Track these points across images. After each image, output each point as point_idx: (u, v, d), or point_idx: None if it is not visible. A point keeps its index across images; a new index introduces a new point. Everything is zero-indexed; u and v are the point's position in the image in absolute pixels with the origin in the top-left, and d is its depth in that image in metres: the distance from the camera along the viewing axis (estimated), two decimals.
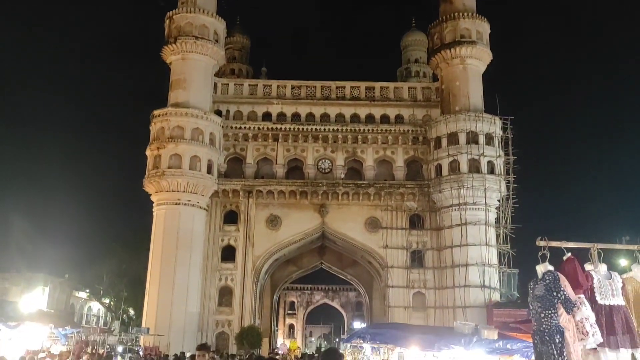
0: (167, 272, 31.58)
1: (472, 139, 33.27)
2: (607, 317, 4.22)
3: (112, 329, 35.33)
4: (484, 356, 10.49)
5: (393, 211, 34.91)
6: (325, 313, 71.05)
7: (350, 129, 35.68)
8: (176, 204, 32.72)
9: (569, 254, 4.48)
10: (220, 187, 34.36)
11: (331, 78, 37.74)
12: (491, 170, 33.22)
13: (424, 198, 34.80)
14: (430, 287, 33.75)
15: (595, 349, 4.17)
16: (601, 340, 4.13)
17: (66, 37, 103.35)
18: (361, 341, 13.77)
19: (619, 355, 4.19)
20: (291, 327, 68.90)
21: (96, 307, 56.92)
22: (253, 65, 48.92)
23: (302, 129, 35.74)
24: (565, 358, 3.97)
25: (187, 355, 22.27)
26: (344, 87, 37.25)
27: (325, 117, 36.36)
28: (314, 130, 35.76)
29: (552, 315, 4.10)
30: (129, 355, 21.02)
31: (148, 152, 33.72)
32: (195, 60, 34.99)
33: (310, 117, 36.31)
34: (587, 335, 4.08)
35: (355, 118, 36.36)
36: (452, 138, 33.59)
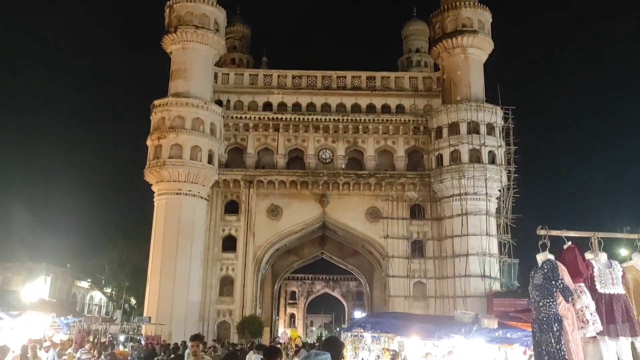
0: (168, 261, 31.68)
1: (473, 128, 33.21)
2: (607, 306, 4.22)
3: (114, 318, 35.51)
4: (484, 345, 10.53)
5: (394, 201, 34.92)
6: (326, 303, 71.36)
7: (351, 119, 35.61)
8: (177, 194, 32.75)
9: (569, 243, 4.48)
10: (221, 177, 34.37)
11: (332, 68, 37.63)
12: (492, 160, 33.18)
13: (425, 188, 34.81)
14: (431, 277, 33.86)
15: (595, 337, 4.17)
16: (601, 328, 4.13)
17: (66, 27, 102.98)
18: (362, 330, 13.82)
19: (619, 343, 4.20)
20: (292, 316, 69.22)
21: (98, 296, 57.20)
22: (253, 55, 48.75)
23: (303, 118, 35.68)
24: (563, 346, 3.98)
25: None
26: (345, 77, 37.13)
27: (326, 107, 36.28)
28: (314, 120, 35.69)
29: (551, 303, 4.11)
30: (131, 344, 21.14)
31: (149, 142, 33.70)
32: (196, 50, 34.87)
33: (311, 107, 36.23)
34: (587, 323, 4.08)
35: (356, 108, 36.28)
36: (453, 128, 33.52)
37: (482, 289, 31.28)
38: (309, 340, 46.37)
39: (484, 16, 35.93)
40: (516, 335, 10.26)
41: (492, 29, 36.39)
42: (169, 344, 24.23)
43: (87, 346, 16.67)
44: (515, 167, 33.69)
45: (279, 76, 37.17)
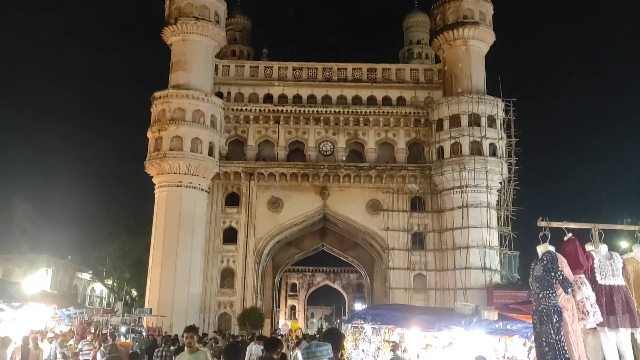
0: (169, 253, 31.75)
1: (474, 121, 33.15)
2: (607, 297, 4.23)
3: (115, 310, 35.65)
4: (483, 336, 10.57)
5: (394, 193, 34.93)
6: (326, 294, 71.58)
7: (352, 111, 35.54)
8: (177, 186, 32.76)
9: (570, 235, 4.48)
10: (221, 169, 34.37)
11: (333, 60, 37.53)
12: (493, 153, 33.15)
13: (426, 180, 34.80)
14: (431, 269, 33.92)
15: (595, 328, 4.18)
16: (601, 319, 4.14)
17: (66, 20, 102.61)
18: (362, 322, 13.85)
19: (619, 334, 4.21)
20: (293, 308, 69.45)
21: (99, 288, 57.42)
22: (254, 46, 48.55)
23: (304, 111, 35.61)
24: (563, 337, 3.99)
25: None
26: (346, 69, 37.04)
27: (326, 99, 36.20)
28: (315, 112, 35.63)
29: (550, 295, 4.12)
30: (132, 335, 21.22)
31: (149, 134, 33.67)
32: (196, 42, 34.75)
33: (311, 99, 36.16)
34: (588, 314, 4.09)
35: (357, 100, 36.20)
36: (454, 120, 33.46)
37: (482, 281, 31.35)
38: (310, 332, 46.54)
39: (486, 7, 35.76)
40: (516, 327, 10.29)
41: (493, 21, 36.25)
42: (170, 336, 24.31)
43: (88, 337, 16.75)
44: (516, 160, 33.68)
45: (279, 68, 37.07)
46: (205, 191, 33.99)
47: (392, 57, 50.37)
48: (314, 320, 75.19)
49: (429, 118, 35.13)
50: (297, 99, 36.17)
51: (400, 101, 36.20)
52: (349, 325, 14.83)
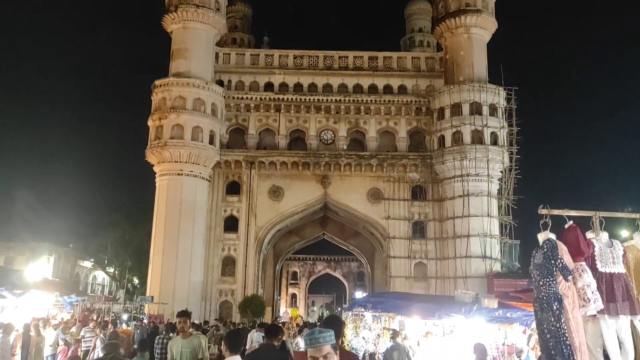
0: (171, 242, 31.83)
1: (476, 109, 33.05)
2: (607, 285, 4.24)
3: (117, 298, 35.86)
4: (484, 324, 10.60)
5: (395, 182, 34.92)
6: (327, 283, 71.85)
7: (353, 100, 35.43)
8: (178, 174, 32.76)
9: (571, 222, 4.47)
10: (222, 157, 34.34)
11: (334, 48, 37.37)
12: (494, 142, 33.08)
13: (427, 169, 34.77)
14: (432, 258, 34.00)
15: (595, 315, 4.20)
16: (602, 306, 4.15)
17: (66, 8, 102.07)
18: (363, 310, 13.91)
19: (619, 322, 4.22)
20: (294, 296, 69.75)
21: (101, 276, 57.66)
22: (255, 34, 48.34)
23: (305, 99, 35.51)
24: (564, 324, 4.00)
25: (196, 322, 22.68)
26: (347, 57, 36.87)
27: (327, 88, 36.08)
28: (316, 100, 35.52)
29: (551, 283, 4.13)
30: (134, 322, 21.34)
31: (150, 123, 33.61)
32: (197, 29, 34.58)
33: (312, 87, 36.05)
34: (589, 302, 4.10)
35: (358, 88, 36.08)
36: (456, 109, 33.36)
37: (482, 270, 31.42)
38: (311, 320, 46.76)
39: None
40: (516, 314, 10.32)
41: (495, 9, 36.02)
42: (172, 323, 24.44)
43: (91, 325, 16.85)
44: (517, 149, 33.63)
45: (280, 56, 36.92)
46: (206, 180, 34.00)
47: (393, 45, 50.23)
48: (315, 308, 75.52)
49: (430, 106, 35.03)
50: (298, 87, 36.05)
51: (402, 89, 36.08)
52: (350, 313, 14.90)
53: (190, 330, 8.33)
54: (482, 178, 32.40)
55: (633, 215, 4.92)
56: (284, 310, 53.39)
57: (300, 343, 16.31)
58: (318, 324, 27.05)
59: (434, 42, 44.98)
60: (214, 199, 34.55)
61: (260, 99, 35.55)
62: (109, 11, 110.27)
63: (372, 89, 36.05)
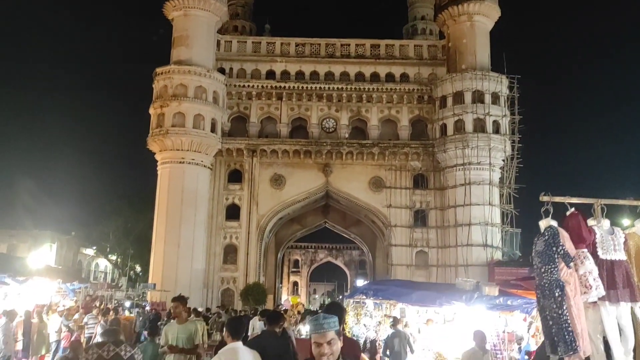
0: (173, 230, 31.91)
1: (478, 98, 32.93)
2: (608, 272, 4.25)
3: (119, 285, 36.04)
4: (484, 312, 10.62)
5: (397, 171, 34.91)
6: (328, 271, 72.07)
7: (355, 88, 35.31)
8: (180, 162, 32.77)
9: (573, 209, 4.47)
10: (224, 146, 34.31)
11: (336, 35, 37.15)
12: (496, 130, 33.01)
13: (428, 158, 34.73)
14: (433, 246, 34.07)
15: (595, 302, 4.21)
16: (604, 293, 4.17)
17: None
18: (364, 297, 13.94)
19: (619, 308, 4.23)
20: (295, 284, 70.03)
21: (103, 263, 57.90)
22: (256, 22, 48.07)
23: (306, 87, 35.40)
24: (566, 311, 4.02)
25: (199, 309, 22.81)
26: (349, 45, 36.69)
27: (329, 76, 35.95)
28: (318, 88, 35.41)
29: (552, 270, 4.14)
30: (137, 310, 21.48)
31: (151, 111, 33.55)
32: (198, 17, 34.40)
33: (314, 75, 35.91)
34: (590, 288, 4.12)
35: (360, 76, 35.94)
36: (458, 97, 33.25)
37: (483, 258, 31.50)
38: (312, 308, 46.98)
39: None
40: (517, 302, 10.31)
41: None
42: None
43: (94, 311, 16.95)
44: (519, 137, 33.54)
45: (282, 44, 36.75)
46: (208, 168, 34.01)
47: (396, 33, 49.96)
48: (316, 296, 75.85)
49: (432, 95, 34.90)
50: (299, 75, 35.92)
51: (404, 78, 35.93)
52: (351, 300, 14.94)
53: (186, 315, 8.18)
54: (483, 166, 32.37)
55: (635, 203, 4.92)
56: (286, 298, 53.63)
57: (302, 330, 16.40)
58: (319, 311, 27.20)
59: (436, 29, 44.72)
60: (216, 187, 34.58)
61: (262, 86, 35.44)
62: None
63: (374, 77, 35.90)
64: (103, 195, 47.56)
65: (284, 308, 34.29)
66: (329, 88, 35.35)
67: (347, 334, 12.11)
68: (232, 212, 34.69)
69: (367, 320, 14.63)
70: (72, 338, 14.26)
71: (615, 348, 4.14)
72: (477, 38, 34.77)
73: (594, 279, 4.14)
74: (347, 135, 35.26)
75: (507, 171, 33.38)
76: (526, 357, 10.20)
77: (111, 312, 17.04)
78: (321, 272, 72.69)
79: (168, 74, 33.12)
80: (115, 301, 24.95)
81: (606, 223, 4.49)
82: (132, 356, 2.03)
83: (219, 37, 36.47)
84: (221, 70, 35.24)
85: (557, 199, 4.52)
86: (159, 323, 10.40)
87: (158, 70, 33.51)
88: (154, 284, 28.80)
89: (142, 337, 14.89)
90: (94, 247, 53.28)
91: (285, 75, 35.91)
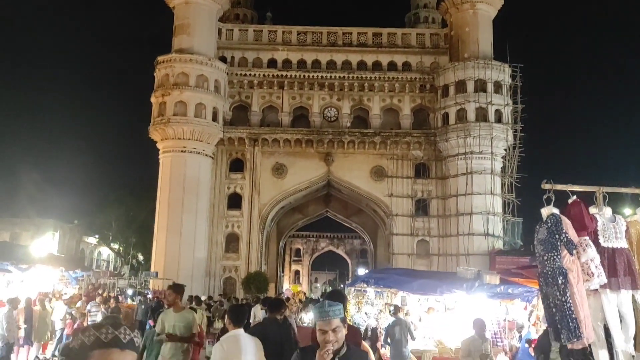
0: (174, 218, 31.97)
1: (481, 86, 32.81)
2: (609, 260, 4.24)
3: (122, 273, 36.19)
4: (485, 300, 10.67)
5: (399, 160, 34.87)
6: (330, 260, 72.26)
7: (357, 77, 35.18)
8: (182, 151, 32.77)
9: (574, 197, 4.46)
10: (225, 135, 34.28)
11: (338, 24, 37.02)
12: (498, 119, 32.91)
13: (430, 147, 34.69)
14: (434, 235, 34.12)
15: (596, 290, 4.21)
16: (605, 281, 4.17)
17: None
18: (365, 285, 14.01)
19: (620, 296, 4.24)
20: (297, 273, 70.26)
21: (106, 252, 58.11)
22: (258, 10, 47.76)
23: (308, 76, 35.27)
24: (569, 298, 4.03)
25: (203, 298, 22.95)
26: (351, 33, 36.51)
27: (331, 64, 35.81)
28: (320, 77, 35.28)
29: (555, 257, 4.13)
30: (139, 298, 21.58)
31: (153, 99, 33.49)
32: (199, 4, 34.20)
33: (316, 64, 35.77)
34: (593, 276, 4.11)
35: (362, 65, 35.79)
36: (460, 86, 33.12)
37: (485, 247, 31.55)
38: (313, 296, 47.17)
39: None
40: (517, 291, 10.35)
41: None
42: None
43: (97, 299, 17.05)
44: (521, 126, 33.46)
45: (283, 32, 36.58)
46: (210, 157, 34.00)
47: (398, 21, 49.65)
48: (318, 285, 76.06)
49: (434, 84, 34.77)
50: (301, 64, 35.77)
51: (406, 66, 35.78)
52: (352, 289, 15.01)
53: (182, 304, 8.04)
54: (485, 156, 32.32)
55: (636, 191, 4.90)
56: (287, 287, 53.84)
57: (305, 318, 16.49)
58: (321, 299, 27.31)
59: (439, 18, 44.49)
60: (218, 176, 34.60)
61: (264, 75, 35.33)
62: None
63: (376, 65, 35.75)
64: (105, 184, 47.74)
65: (285, 296, 34.47)
66: (330, 77, 35.23)
67: (349, 322, 12.17)
68: (234, 201, 34.73)
69: (368, 309, 14.72)
70: (75, 326, 14.35)
71: (616, 335, 4.15)
72: (480, 26, 34.56)
73: (596, 267, 4.13)
74: (348, 124, 35.20)
75: (509, 160, 33.34)
76: (527, 345, 10.23)
77: (112, 300, 17.12)
78: (323, 261, 72.90)
79: (169, 62, 33.01)
80: (118, 289, 25.09)
81: (608, 211, 4.48)
82: (131, 340, 1.89)
83: (220, 25, 36.29)
84: (222, 59, 35.12)
85: (559, 186, 4.50)
86: (161, 311, 10.45)
87: (159, 58, 33.41)
88: (156, 272, 28.92)
89: (148, 326, 14.96)
90: (97, 236, 53.47)
91: (286, 64, 35.77)
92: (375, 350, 11.80)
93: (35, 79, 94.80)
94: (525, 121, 33.68)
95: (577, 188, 4.56)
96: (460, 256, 31.53)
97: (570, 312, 3.98)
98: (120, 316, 11.69)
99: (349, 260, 68.68)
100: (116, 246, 52.27)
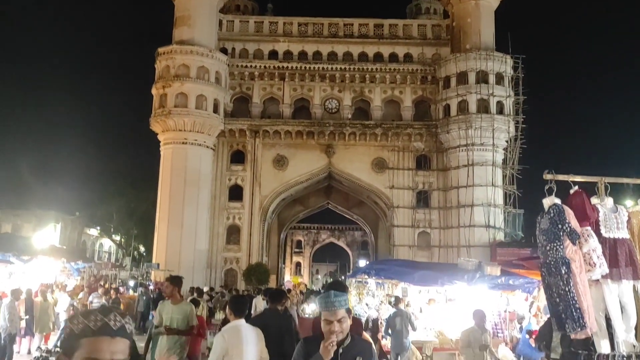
0: (176, 210, 32.01)
1: (482, 78, 32.69)
2: (611, 250, 4.24)
3: (123, 265, 36.29)
4: (486, 291, 10.67)
5: (400, 152, 34.83)
6: (331, 252, 72.37)
7: (358, 68, 35.07)
8: (183, 143, 32.74)
9: (576, 187, 4.45)
10: (226, 126, 34.23)
11: (339, 15, 36.83)
12: (500, 111, 32.81)
13: (431, 138, 34.63)
14: (435, 227, 34.14)
15: (598, 280, 4.21)
16: (607, 271, 4.16)
17: None
18: (366, 276, 14.01)
19: (621, 286, 4.24)
20: (298, 265, 70.40)
21: (107, 244, 58.26)
22: (259, 1, 47.50)
23: (309, 67, 35.16)
24: (572, 288, 4.03)
25: (205, 289, 23.00)
26: (352, 25, 36.36)
27: (332, 56, 35.68)
28: (321, 69, 35.17)
29: (558, 247, 4.13)
30: (140, 289, 21.66)
31: (154, 91, 33.42)
32: None
33: (317, 55, 35.64)
34: (594, 266, 4.11)
35: (363, 56, 35.66)
36: (462, 77, 33.00)
37: (486, 239, 31.56)
38: (315, 288, 47.28)
39: None
40: (518, 282, 10.34)
41: None
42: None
43: (100, 291, 17.10)
44: (523, 118, 33.35)
45: (284, 23, 36.43)
46: (211, 148, 33.97)
47: (399, 12, 49.37)
48: (319, 276, 76.23)
49: (436, 75, 34.65)
50: (302, 55, 35.65)
51: (407, 58, 35.64)
52: (353, 280, 15.03)
53: (179, 296, 7.96)
54: (487, 147, 32.27)
55: (638, 181, 4.89)
56: (287, 279, 53.96)
57: (307, 309, 16.52)
58: (322, 291, 27.37)
59: (440, 9, 44.19)
60: (219, 168, 34.59)
61: (265, 67, 35.22)
62: None
63: (378, 57, 35.63)
64: (106, 176, 47.50)
65: (286, 288, 34.55)
66: (331, 68, 35.12)
67: None
68: (235, 193, 34.74)
69: (369, 300, 14.74)
70: None
71: (617, 325, 4.15)
72: (482, 17, 34.38)
73: (598, 257, 4.13)
74: (350, 116, 35.12)
75: (510, 152, 33.28)
76: (527, 336, 10.25)
77: (112, 292, 17.17)
78: (324, 253, 73.02)
79: (170, 54, 32.92)
80: (120, 281, 25.16)
81: (609, 201, 4.46)
82: (122, 326, 1.76)
83: (221, 16, 36.13)
84: (223, 51, 35.00)
85: (561, 177, 4.49)
86: (160, 302, 10.52)
87: (160, 50, 33.31)
88: (158, 264, 28.99)
89: (151, 316, 15.01)
90: (98, 228, 53.58)
91: (287, 55, 35.65)
92: (376, 341, 11.82)
93: (36, 71, 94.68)
94: (526, 113, 33.64)
95: (578, 178, 4.55)
96: (461, 248, 31.56)
97: (574, 301, 3.98)
98: (121, 307, 11.72)
99: (350, 252, 68.78)
100: (117, 238, 52.37)
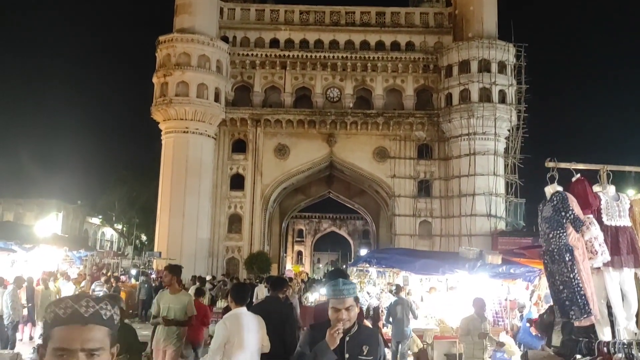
0: (177, 199, 32.05)
1: (484, 67, 32.53)
2: (612, 238, 4.23)
3: (125, 254, 36.41)
4: (487, 280, 10.68)
5: (401, 141, 34.77)
6: (332, 241, 72.54)
7: (360, 57, 34.91)
8: (184, 132, 32.70)
9: (578, 175, 4.44)
10: (228, 115, 34.17)
11: (341, 3, 36.55)
12: (502, 100, 32.69)
13: (433, 128, 34.54)
14: (437, 216, 34.15)
15: (599, 268, 4.21)
16: (609, 259, 4.16)
17: None
18: (367, 265, 14.05)
19: (623, 274, 4.24)
20: (299, 253, 70.61)
21: (109, 232, 58.40)
22: None
23: (311, 56, 35.00)
24: (577, 275, 4.03)
25: (208, 278, 23.13)
26: (354, 13, 36.15)
27: (334, 44, 35.50)
28: (322, 57, 35.01)
29: (561, 235, 4.12)
30: (142, 278, 21.75)
31: (155, 80, 33.32)
32: None
33: (318, 44, 35.47)
34: (596, 254, 4.11)
35: (365, 45, 35.48)
36: (464, 66, 32.85)
37: (487, 228, 31.59)
38: (316, 277, 47.46)
39: None
40: (519, 271, 10.35)
41: None
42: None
43: (102, 279, 17.17)
44: (525, 107, 33.22)
45: (286, 11, 36.20)
46: (212, 137, 33.94)
47: (401, 0, 48.97)
48: (320, 265, 76.51)
49: (438, 64, 34.50)
50: (304, 43, 35.48)
51: (409, 46, 35.46)
52: (355, 269, 15.06)
53: (178, 286, 7.85)
54: (489, 136, 32.19)
55: None
56: (288, 268, 54.13)
57: (310, 297, 16.57)
58: (323, 280, 27.44)
59: None
60: (220, 157, 34.58)
61: (266, 55, 35.07)
62: None
63: (379, 45, 35.44)
64: (108, 165, 47.76)
65: (288, 277, 34.67)
66: (333, 57, 34.96)
67: None
68: (237, 182, 34.76)
69: (370, 288, 14.78)
70: None
71: (618, 313, 4.16)
72: (485, 5, 34.15)
73: (600, 245, 4.12)
74: (351, 105, 35.01)
75: (512, 141, 33.19)
76: (528, 324, 10.27)
77: (112, 280, 17.23)
78: (325, 242, 73.19)
79: (171, 42, 32.77)
80: (122, 269, 25.26)
81: (611, 189, 4.45)
82: (96, 312, 1.62)
83: (222, 4, 35.92)
84: (224, 39, 34.84)
85: (563, 165, 4.47)
86: (161, 290, 10.56)
87: (161, 38, 33.16)
88: (160, 253, 29.08)
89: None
90: (100, 216, 53.68)
91: (289, 43, 35.49)
92: (377, 329, 11.87)
93: (37, 61, 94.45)
94: (529, 102, 33.53)
95: (580, 166, 4.54)
96: (462, 237, 31.60)
97: (579, 288, 3.99)
98: (122, 295, 11.78)
99: (351, 241, 68.92)
100: (119, 226, 52.48)
